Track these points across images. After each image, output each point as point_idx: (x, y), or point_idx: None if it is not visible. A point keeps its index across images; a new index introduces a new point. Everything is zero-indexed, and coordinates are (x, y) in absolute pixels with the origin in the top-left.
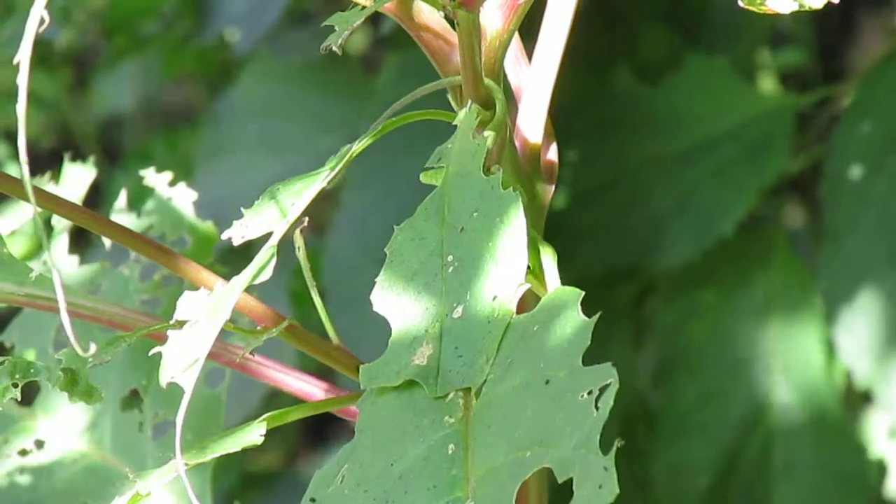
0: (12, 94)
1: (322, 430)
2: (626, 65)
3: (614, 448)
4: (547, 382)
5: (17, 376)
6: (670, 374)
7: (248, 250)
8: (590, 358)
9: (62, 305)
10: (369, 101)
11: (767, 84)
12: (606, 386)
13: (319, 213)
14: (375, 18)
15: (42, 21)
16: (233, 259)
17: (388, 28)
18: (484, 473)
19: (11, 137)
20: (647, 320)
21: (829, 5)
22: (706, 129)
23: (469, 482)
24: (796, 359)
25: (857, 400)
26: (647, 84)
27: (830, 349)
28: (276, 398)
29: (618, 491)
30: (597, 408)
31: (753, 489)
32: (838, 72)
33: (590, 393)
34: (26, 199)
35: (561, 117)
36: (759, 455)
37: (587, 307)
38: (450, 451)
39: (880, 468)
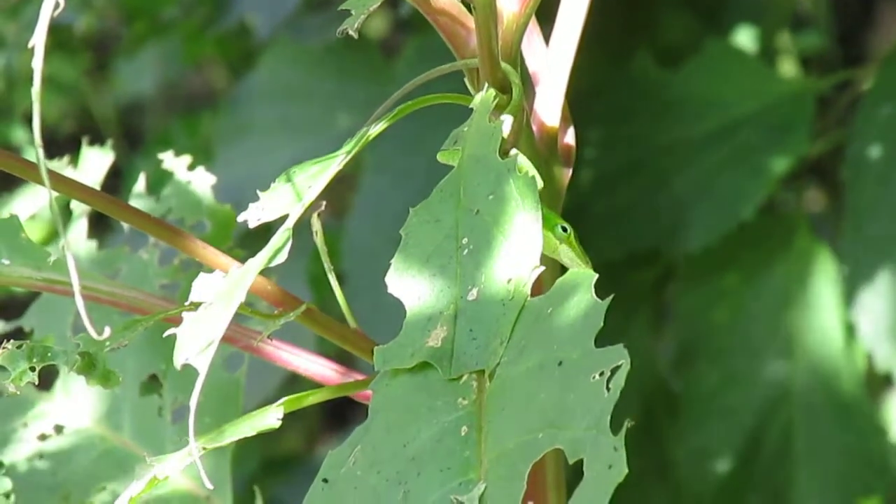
0: (31, 79)
1: (343, 414)
2: (646, 49)
3: (624, 428)
4: (560, 364)
5: (34, 360)
6: (692, 358)
7: (268, 233)
8: (609, 342)
9: (76, 289)
10: (388, 84)
11: (787, 68)
12: (618, 367)
13: (339, 196)
14: (394, 2)
15: (57, 5)
16: (254, 243)
17: (406, 12)
18: (497, 455)
19: (30, 122)
20: (667, 305)
21: None
22: (726, 113)
23: (482, 464)
24: (817, 342)
25: (878, 383)
26: (666, 68)
27: (851, 332)
28: (296, 383)
29: (626, 471)
30: (608, 389)
31: (775, 473)
32: (858, 55)
33: (601, 374)
34: (43, 183)
35: (580, 102)
36: (780, 439)
37: (607, 291)
38: (463, 433)
39: None
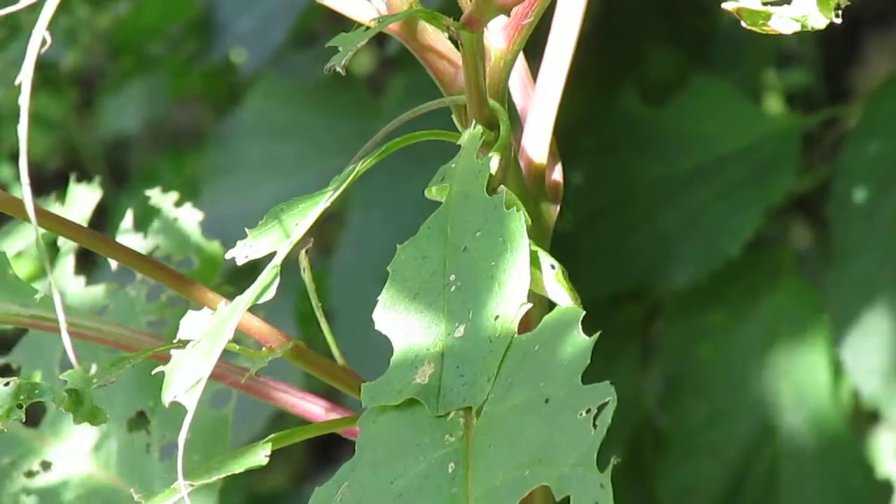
0: (17, 116)
1: (329, 451)
2: (633, 85)
3: (611, 465)
4: (547, 401)
5: (21, 397)
6: (678, 394)
7: (256, 271)
8: (597, 378)
9: (63, 325)
10: (375, 121)
11: (773, 104)
12: (605, 404)
13: (326, 234)
14: (381, 39)
15: (44, 42)
16: (241, 280)
17: (393, 49)
18: (483, 492)
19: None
20: (654, 341)
21: (831, 26)
22: (712, 149)
23: (469, 501)
24: (804, 379)
25: (865, 420)
26: (653, 104)
27: (838, 369)
28: (283, 419)
29: None
30: (595, 426)
31: None
32: (844, 92)
33: (588, 411)
34: (30, 219)
35: (567, 138)
36: (766, 475)
37: (594, 328)
38: (450, 470)
39: (887, 488)
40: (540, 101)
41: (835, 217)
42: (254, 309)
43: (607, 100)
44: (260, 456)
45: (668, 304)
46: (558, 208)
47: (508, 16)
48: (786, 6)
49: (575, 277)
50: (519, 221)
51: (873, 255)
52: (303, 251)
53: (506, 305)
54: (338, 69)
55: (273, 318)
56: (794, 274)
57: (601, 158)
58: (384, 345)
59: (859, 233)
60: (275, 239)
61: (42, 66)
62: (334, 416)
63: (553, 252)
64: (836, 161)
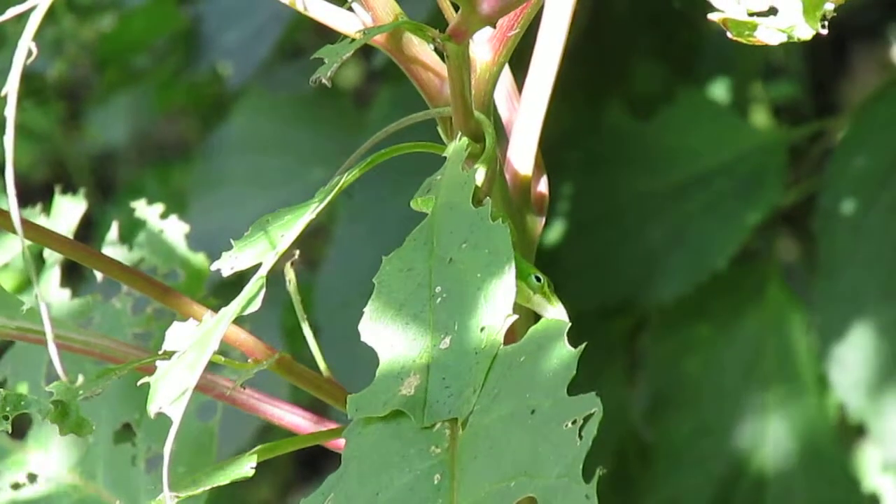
0: (2, 128)
1: (315, 464)
2: (618, 99)
3: (596, 476)
4: (532, 412)
5: (7, 409)
6: (664, 408)
7: (242, 284)
8: (582, 391)
9: (49, 337)
10: (361, 134)
11: (760, 118)
12: (590, 415)
13: (312, 248)
14: (367, 52)
15: (30, 53)
16: (228, 293)
17: (380, 61)
18: (469, 503)
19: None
20: (640, 355)
21: (818, 37)
22: (699, 163)
23: None
24: (789, 392)
25: (851, 433)
26: (639, 118)
27: (824, 383)
28: (269, 432)
29: None
30: (580, 437)
31: None
32: (831, 105)
33: (574, 422)
34: (16, 231)
35: (552, 152)
36: (753, 489)
37: (580, 341)
38: (436, 482)
39: (873, 501)
40: (525, 113)
41: (821, 230)
42: (240, 321)
43: (593, 113)
44: (246, 468)
45: (653, 317)
46: (543, 220)
47: (494, 28)
48: (772, 17)
49: (560, 291)
50: (504, 233)
51: (859, 268)
52: (288, 263)
53: (492, 317)
54: (324, 81)
55: (259, 331)
56: (780, 287)
57: (587, 172)
58: (371, 358)
59: (846, 246)
60: (260, 250)
61: (28, 77)
62: (320, 428)
63: (539, 266)
64: (823, 174)
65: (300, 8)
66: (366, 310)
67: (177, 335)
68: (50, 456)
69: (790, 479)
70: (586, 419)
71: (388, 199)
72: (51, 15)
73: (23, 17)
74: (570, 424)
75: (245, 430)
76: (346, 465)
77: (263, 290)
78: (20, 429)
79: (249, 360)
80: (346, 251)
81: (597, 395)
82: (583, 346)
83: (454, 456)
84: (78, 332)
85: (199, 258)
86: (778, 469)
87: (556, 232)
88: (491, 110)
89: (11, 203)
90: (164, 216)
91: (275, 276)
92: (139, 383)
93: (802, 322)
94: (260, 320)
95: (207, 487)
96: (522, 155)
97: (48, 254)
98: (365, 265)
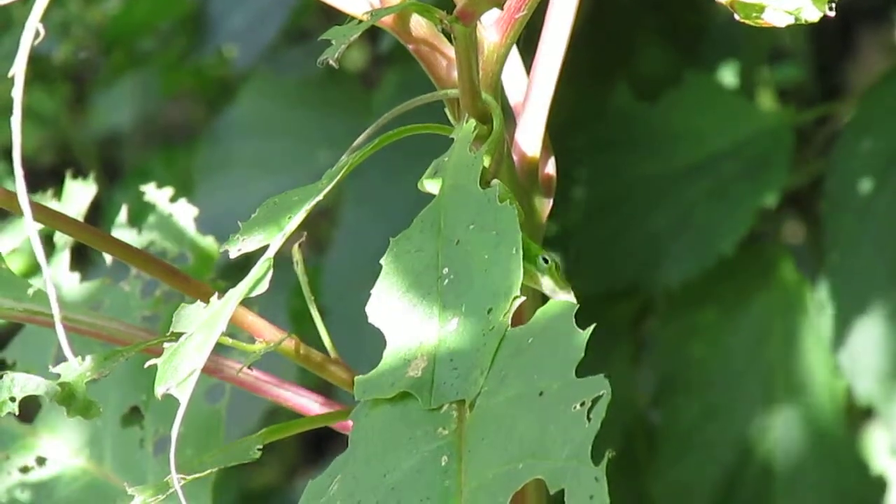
0: (9, 110)
1: (321, 446)
2: (625, 81)
3: (605, 459)
4: (540, 394)
5: (14, 391)
6: (671, 392)
7: (249, 266)
8: (590, 374)
9: (57, 319)
10: (368, 117)
11: (766, 100)
12: (599, 397)
13: (320, 230)
14: (374, 35)
15: (37, 34)
16: (237, 276)
17: (387, 45)
18: (477, 485)
19: (9, 153)
20: (646, 339)
21: (825, 19)
22: (705, 146)
23: (462, 494)
24: (797, 376)
25: (858, 416)
26: (645, 101)
27: (832, 366)
28: (276, 414)
29: (608, 501)
30: (589, 419)
31: None
32: (837, 88)
33: (582, 404)
34: (24, 214)
35: (559, 135)
36: (761, 473)
37: (586, 324)
38: (443, 463)
39: (881, 485)
40: (533, 94)
41: (828, 214)
42: (247, 303)
43: (599, 97)
44: (252, 450)
45: (660, 301)
46: (551, 202)
47: (502, 9)
48: None
49: (567, 274)
50: (512, 215)
51: (867, 252)
52: (295, 245)
53: (499, 299)
54: (331, 62)
55: (266, 315)
56: (787, 270)
57: (593, 155)
58: (378, 342)
59: (853, 230)
60: (267, 232)
61: (35, 59)
62: (327, 410)
63: (546, 248)
64: (830, 158)
65: None
66: (373, 291)
67: (185, 317)
68: (58, 439)
69: (798, 463)
70: (595, 401)
71: (395, 180)
72: None
73: (29, 0)
74: (578, 406)
75: (253, 413)
76: (354, 447)
77: (271, 271)
78: (29, 412)
79: (257, 342)
80: (354, 233)
81: (606, 378)
82: (591, 327)
83: (462, 438)
84: (86, 314)
85: (207, 241)
86: (786, 453)
87: (562, 214)
88: (499, 92)
89: (20, 186)
90: (172, 200)
91: (281, 260)
92: (147, 365)
93: (810, 305)
94: (267, 304)
95: (215, 469)
96: (530, 136)
97: (58, 237)
98: (372, 247)
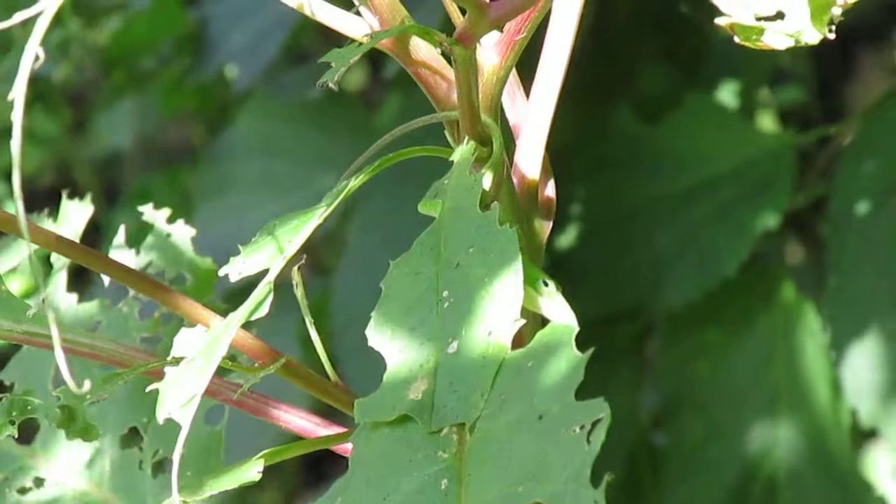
0: (8, 132)
1: (321, 469)
2: (626, 103)
3: (604, 482)
4: (540, 418)
5: (14, 413)
6: (675, 413)
7: (250, 289)
8: (591, 396)
9: (57, 341)
10: (370, 139)
11: (767, 122)
12: (599, 420)
13: (327, 255)
14: (375, 56)
15: (37, 57)
16: (237, 298)
17: (391, 72)
18: None
19: (8, 175)
20: (649, 360)
21: (825, 42)
22: (707, 168)
23: None
24: (801, 397)
25: (862, 438)
26: (646, 123)
27: (835, 388)
28: (278, 437)
29: None
30: (589, 442)
31: None
32: (838, 109)
33: (582, 427)
34: (23, 235)
35: (560, 157)
36: (764, 494)
37: (588, 346)
38: (443, 487)
39: None
40: (533, 116)
41: (830, 235)
42: (247, 325)
43: (599, 118)
44: (252, 472)
45: (663, 322)
46: (551, 224)
47: (501, 32)
48: (779, 21)
49: (569, 297)
50: (512, 237)
51: (870, 273)
52: (295, 267)
53: (499, 321)
54: (330, 85)
55: (274, 338)
56: (791, 291)
57: (594, 177)
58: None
59: (855, 251)
60: (268, 255)
61: (34, 81)
62: (328, 432)
63: (546, 270)
64: (832, 179)
65: (307, 11)
66: (373, 314)
67: (185, 341)
68: (57, 460)
69: (802, 484)
70: (594, 424)
71: (402, 206)
72: (57, 18)
73: (29, 21)
74: (578, 429)
75: (261, 442)
76: (354, 470)
77: (271, 295)
78: (28, 434)
79: (256, 364)
80: (360, 258)
81: (605, 401)
82: (590, 351)
83: (462, 461)
84: (85, 336)
85: (206, 262)
86: (790, 473)
87: (564, 237)
88: (498, 114)
89: (18, 207)
90: (171, 220)
91: (287, 284)
92: (148, 389)
93: (813, 326)
94: (274, 328)
95: (215, 492)
96: (530, 159)
97: (55, 258)
98: (379, 272)
